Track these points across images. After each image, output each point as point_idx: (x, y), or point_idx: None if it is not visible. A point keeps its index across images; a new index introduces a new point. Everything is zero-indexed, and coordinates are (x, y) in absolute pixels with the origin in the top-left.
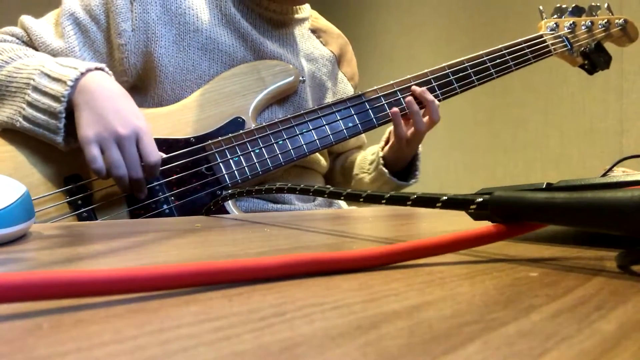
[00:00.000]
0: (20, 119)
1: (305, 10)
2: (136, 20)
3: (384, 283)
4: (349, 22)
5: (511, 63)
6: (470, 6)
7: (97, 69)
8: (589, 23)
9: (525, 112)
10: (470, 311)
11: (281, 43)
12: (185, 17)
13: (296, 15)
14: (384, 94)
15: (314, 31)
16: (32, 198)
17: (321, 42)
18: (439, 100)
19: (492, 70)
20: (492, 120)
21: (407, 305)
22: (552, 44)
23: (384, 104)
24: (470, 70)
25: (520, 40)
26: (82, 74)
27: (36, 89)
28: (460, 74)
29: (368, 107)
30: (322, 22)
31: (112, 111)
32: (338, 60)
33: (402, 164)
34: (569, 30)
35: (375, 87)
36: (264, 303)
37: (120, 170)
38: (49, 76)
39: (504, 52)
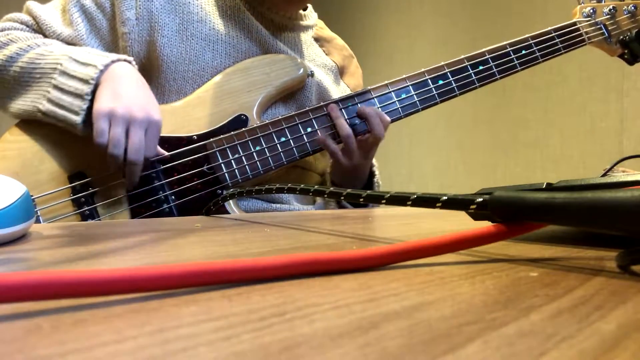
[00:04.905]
0: (44, 102)
1: (311, 18)
2: (140, 8)
3: (384, 283)
4: (349, 22)
5: (538, 54)
6: (471, 6)
7: (125, 60)
8: (632, 7)
9: (525, 111)
10: (470, 311)
11: (285, 44)
12: (189, 7)
13: (302, 22)
14: (394, 89)
15: (317, 40)
16: (38, 195)
17: (324, 51)
18: (457, 95)
19: (516, 62)
20: (493, 120)
21: (407, 305)
22: (587, 32)
23: (394, 101)
24: (492, 63)
25: (550, 28)
26: (113, 62)
27: (64, 73)
28: (481, 67)
29: (377, 103)
30: (327, 33)
31: (132, 95)
32: (340, 71)
33: (354, 180)
34: (608, 16)
35: (386, 82)
36: (264, 303)
37: (116, 149)
38: (78, 61)
39: (531, 42)
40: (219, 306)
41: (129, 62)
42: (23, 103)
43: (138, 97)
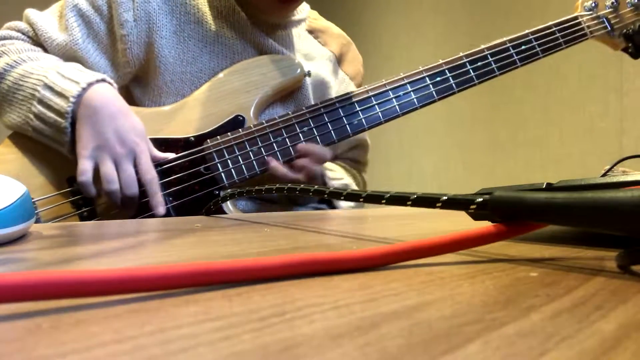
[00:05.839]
0: (30, 129)
1: (302, 12)
2: (138, 10)
3: (384, 283)
4: (349, 21)
5: (538, 49)
6: (470, 5)
7: (98, 81)
8: (635, 0)
9: (525, 111)
10: (470, 311)
11: (279, 43)
12: (186, 8)
13: (293, 17)
14: (392, 87)
15: (311, 32)
16: (37, 198)
17: (319, 42)
18: (455, 92)
19: (516, 58)
20: (492, 120)
21: (407, 305)
22: (589, 26)
23: (392, 99)
24: (490, 59)
25: (550, 23)
26: (84, 90)
27: (41, 102)
28: (479, 63)
29: (374, 101)
30: (321, 23)
31: (112, 129)
32: (338, 60)
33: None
34: (610, 10)
35: (384, 82)
36: (264, 303)
37: (112, 185)
38: (52, 89)
39: (530, 37)
40: (219, 306)
41: (104, 80)
42: (13, 122)
43: (118, 129)
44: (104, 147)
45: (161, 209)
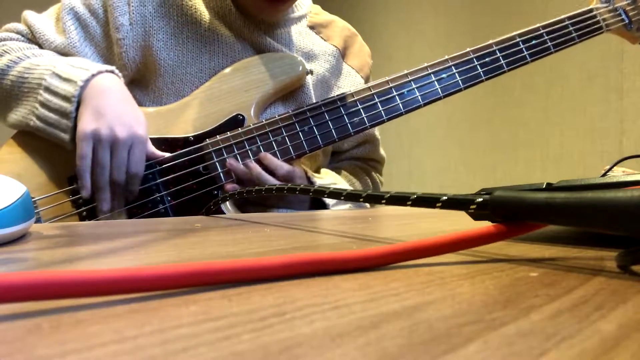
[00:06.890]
0: (34, 118)
1: (302, 8)
2: (133, 14)
3: (384, 283)
4: (348, 21)
5: (550, 44)
6: (470, 4)
7: (107, 71)
8: None
9: (525, 111)
10: (470, 311)
11: (278, 41)
12: (182, 9)
13: (292, 15)
14: (395, 85)
15: (313, 27)
16: (38, 197)
17: (322, 37)
18: (462, 89)
19: (526, 53)
20: (492, 120)
21: (407, 305)
22: (605, 19)
23: (394, 96)
24: (499, 54)
25: (563, 16)
26: (93, 75)
27: (48, 89)
28: (487, 59)
29: (376, 99)
30: (324, 17)
31: (115, 114)
32: (342, 53)
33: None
34: (628, 1)
35: (387, 79)
36: (263, 303)
37: (103, 170)
38: (60, 77)
39: (542, 31)
40: (219, 306)
41: (112, 71)
42: (16, 117)
43: (121, 113)
44: (104, 129)
45: (130, 197)
